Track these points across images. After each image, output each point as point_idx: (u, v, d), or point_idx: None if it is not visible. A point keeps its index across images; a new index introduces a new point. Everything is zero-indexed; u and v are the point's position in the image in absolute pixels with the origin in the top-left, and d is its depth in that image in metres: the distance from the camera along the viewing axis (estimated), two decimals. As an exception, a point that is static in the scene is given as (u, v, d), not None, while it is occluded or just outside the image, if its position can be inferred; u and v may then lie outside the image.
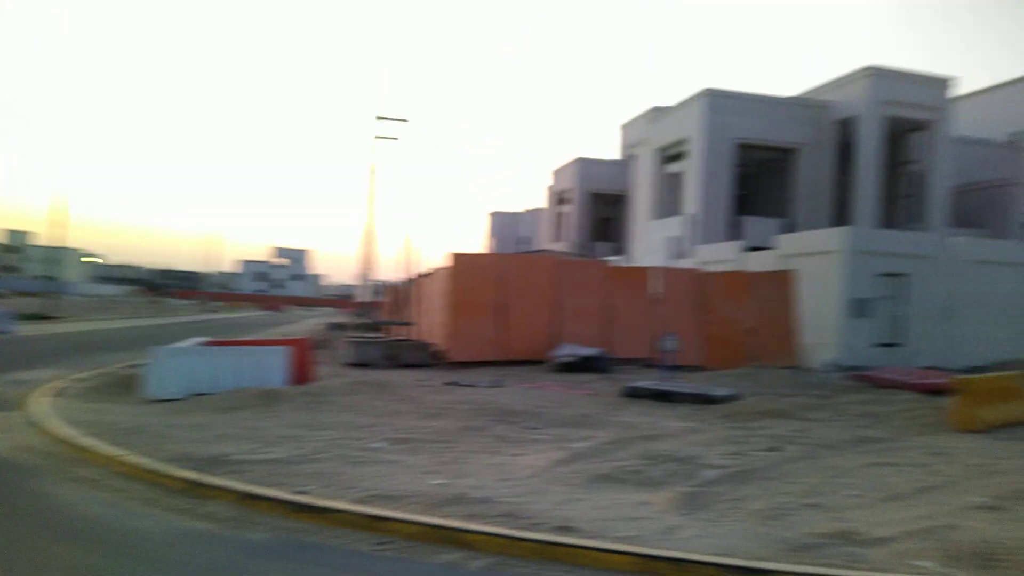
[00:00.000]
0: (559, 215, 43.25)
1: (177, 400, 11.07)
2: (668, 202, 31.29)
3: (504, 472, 7.48)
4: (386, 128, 31.48)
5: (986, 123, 37.86)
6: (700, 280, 18.28)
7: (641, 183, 33.39)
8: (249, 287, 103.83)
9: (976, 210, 30.88)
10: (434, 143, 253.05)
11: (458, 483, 6.88)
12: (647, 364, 17.20)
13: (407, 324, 20.83)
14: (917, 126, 27.81)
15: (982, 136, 35.26)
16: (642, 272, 18.56)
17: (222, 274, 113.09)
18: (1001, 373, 11.74)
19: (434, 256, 46.34)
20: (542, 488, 6.91)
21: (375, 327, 24.95)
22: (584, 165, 39.58)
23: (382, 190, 70.04)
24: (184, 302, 71.60)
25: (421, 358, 16.68)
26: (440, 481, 6.97)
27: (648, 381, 13.73)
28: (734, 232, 27.66)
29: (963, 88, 36.53)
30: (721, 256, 23.79)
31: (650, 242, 30.89)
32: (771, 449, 8.90)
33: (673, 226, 29.17)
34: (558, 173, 43.01)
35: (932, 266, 19.53)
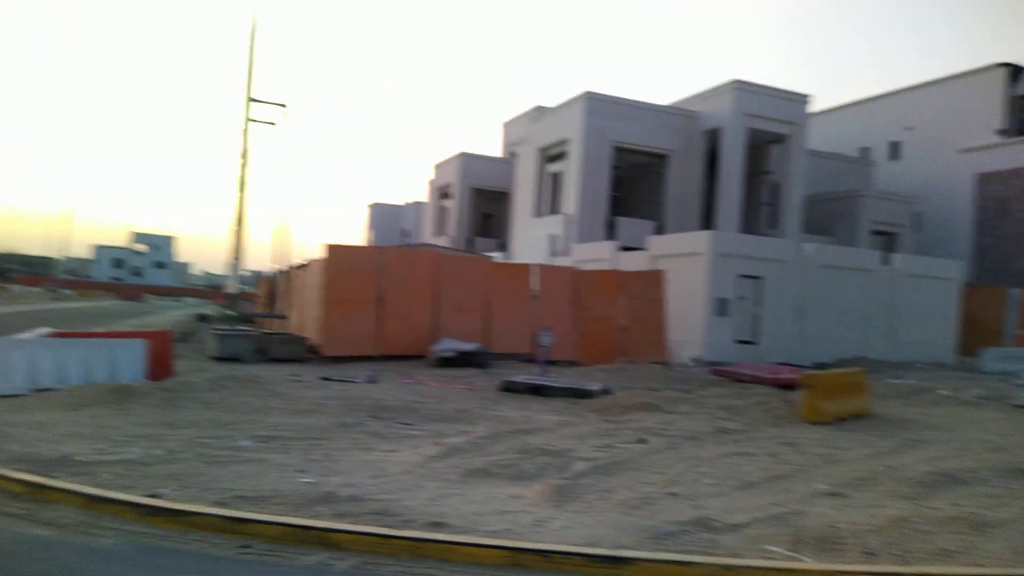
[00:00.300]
0: (441, 209, 43.09)
1: (19, 396, 10.12)
2: (549, 201, 31.92)
3: (377, 469, 7.34)
4: (261, 112, 30.11)
5: (838, 138, 41.32)
6: (576, 278, 18.77)
7: (523, 181, 33.85)
8: (105, 274, 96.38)
9: (828, 218, 33.53)
10: (316, 132, 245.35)
11: (328, 481, 6.69)
12: (526, 359, 17.46)
13: (280, 317, 20.06)
14: (777, 139, 29.84)
15: (834, 150, 38.41)
16: (522, 268, 18.81)
17: (74, 260, 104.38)
18: (844, 370, 12.81)
19: (312, 247, 44.94)
20: (415, 484, 6.84)
21: (245, 319, 23.85)
22: (467, 160, 39.61)
23: (256, 177, 66.95)
24: (31, 289, 65.40)
25: (294, 352, 16.11)
26: (309, 480, 6.75)
27: (525, 376, 13.93)
28: (610, 232, 28.61)
29: (819, 105, 39.65)
30: (597, 255, 24.52)
31: (531, 239, 31.38)
32: (639, 441, 9.26)
33: (553, 224, 29.77)
34: (440, 167, 42.83)
35: (786, 269, 21.03)
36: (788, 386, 14.04)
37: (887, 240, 33.02)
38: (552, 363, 17.02)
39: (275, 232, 50.47)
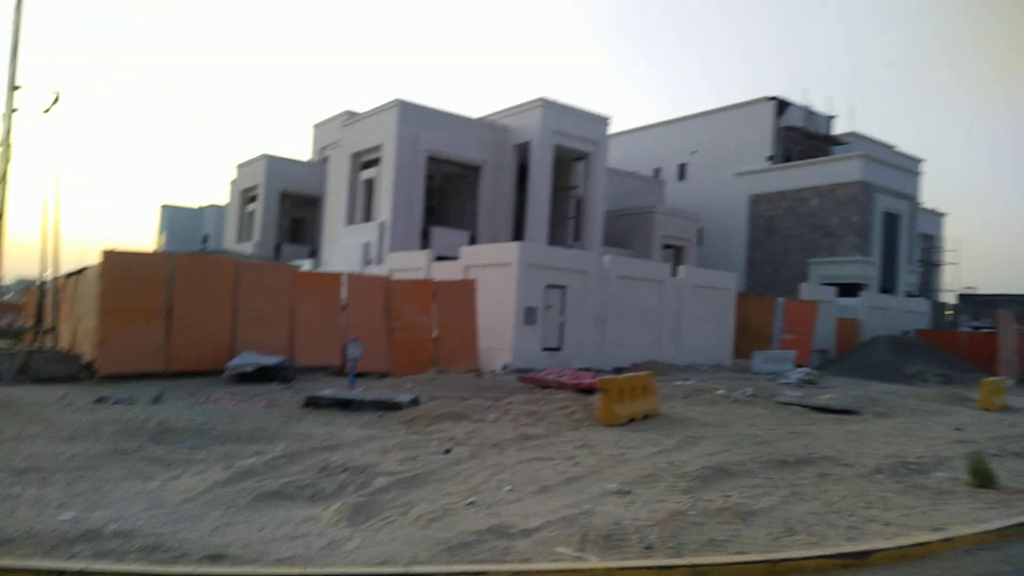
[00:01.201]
0: (246, 214, 40.74)
1: None
2: (362, 208, 31.30)
3: (153, 499, 6.68)
4: (32, 99, 26.61)
5: (635, 159, 44.56)
6: (389, 287, 18.50)
7: (335, 186, 32.92)
8: None
9: (626, 232, 36.00)
10: (104, 127, 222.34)
11: (93, 516, 5.97)
12: (336, 372, 16.90)
13: (47, 331, 17.80)
14: (581, 156, 31.56)
15: (632, 169, 41.36)
16: (331, 278, 18.21)
17: None
18: (636, 373, 13.69)
19: (93, 252, 40.61)
20: (197, 513, 6.31)
21: (7, 334, 20.90)
22: (274, 163, 37.84)
23: (26, 172, 59.15)
24: None
25: (65, 371, 14.32)
26: (71, 516, 5.98)
27: (332, 390, 13.44)
28: (425, 241, 28.62)
29: (618, 127, 42.51)
30: (411, 264, 24.41)
31: (343, 247, 30.56)
32: (444, 452, 9.25)
33: (367, 232, 29.22)
34: (245, 169, 40.54)
35: (588, 280, 22.23)
36: (588, 390, 14.78)
37: (675, 253, 36.09)
38: (362, 375, 16.61)
39: (45, 236, 44.84)
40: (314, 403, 12.42)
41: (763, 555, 5.50)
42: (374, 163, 30.24)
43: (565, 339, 21.83)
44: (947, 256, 45.73)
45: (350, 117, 34.68)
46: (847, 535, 6.42)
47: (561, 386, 15.95)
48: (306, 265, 28.97)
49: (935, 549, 6.27)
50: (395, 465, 8.44)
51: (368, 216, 30.41)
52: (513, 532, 6.03)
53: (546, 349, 21.36)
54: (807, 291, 31.00)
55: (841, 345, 30.51)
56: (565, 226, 32.81)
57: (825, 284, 33.56)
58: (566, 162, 32.01)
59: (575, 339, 21.99)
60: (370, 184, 30.72)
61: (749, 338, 27.24)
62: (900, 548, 5.99)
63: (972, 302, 40.55)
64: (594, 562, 5.27)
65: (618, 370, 20.63)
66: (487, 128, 30.83)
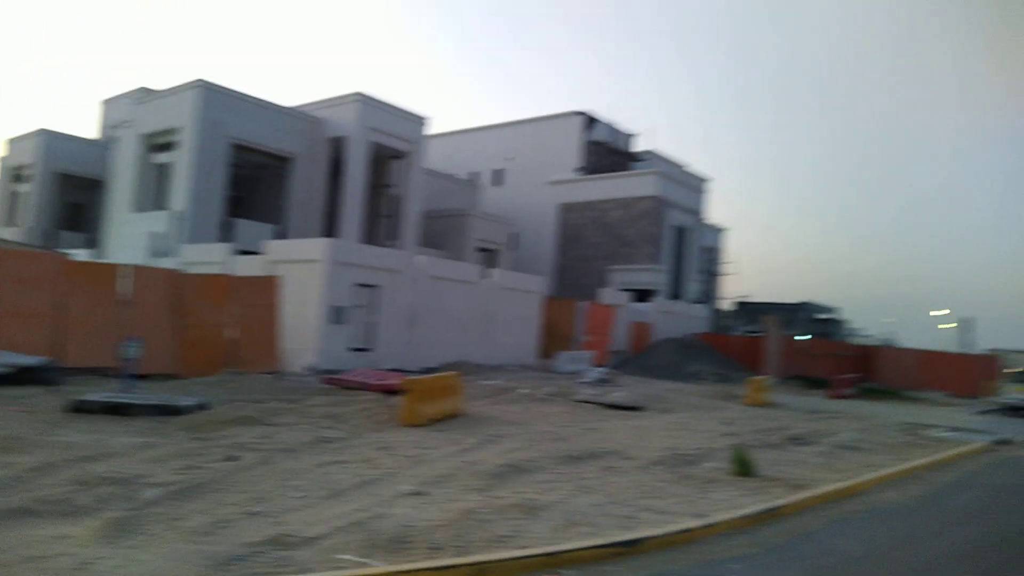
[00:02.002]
0: (13, 194, 35.82)
1: None
2: (153, 194, 28.67)
3: None
4: None
5: (452, 161, 44.96)
6: (178, 281, 17.06)
7: (123, 169, 29.85)
8: None
9: (441, 234, 36.17)
10: None
11: None
12: (113, 374, 15.26)
13: None
14: (397, 154, 31.23)
15: (448, 171, 41.67)
16: (108, 269, 16.42)
17: None
18: (441, 374, 13.77)
19: None
20: (-91, 540, 5.36)
21: None
22: (50, 139, 33.60)
23: None
24: None
25: None
26: None
27: (103, 393, 12.12)
28: (226, 234, 26.80)
29: (436, 128, 42.74)
30: (209, 257, 22.75)
31: (130, 236, 27.78)
32: (228, 459, 8.66)
33: (157, 221, 26.80)
34: (15, 143, 35.64)
35: (400, 279, 22.03)
36: (394, 391, 14.60)
37: (489, 256, 36.87)
38: (146, 377, 15.16)
39: None
40: (81, 408, 11.12)
41: (542, 548, 5.69)
42: (169, 146, 27.84)
43: (374, 339, 21.44)
44: (726, 267, 50.84)
45: (145, 95, 31.66)
46: (623, 524, 6.85)
47: (366, 387, 15.64)
48: (82, 255, 26.02)
49: (698, 535, 6.86)
50: (170, 475, 7.76)
51: (161, 204, 27.93)
52: (295, 541, 5.75)
53: (354, 349, 20.85)
54: (606, 296, 33.01)
55: (635, 346, 32.82)
56: (380, 224, 32.30)
57: (623, 290, 35.94)
58: (382, 159, 31.52)
59: (385, 339, 21.67)
60: (164, 169, 28.23)
61: (554, 339, 28.48)
62: (667, 535, 6.48)
63: (746, 309, 45.46)
64: (374, 567, 5.15)
65: (428, 370, 20.61)
66: (300, 119, 29.55)
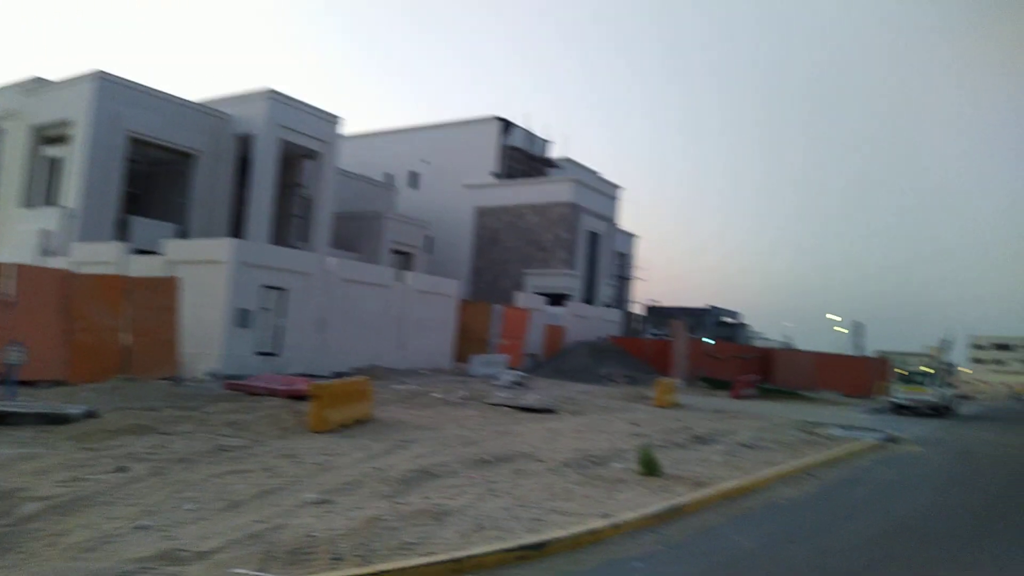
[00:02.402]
0: None
1: None
2: (43, 190, 26.88)
3: None
4: None
5: (367, 162, 44.23)
6: (68, 282, 16.02)
7: (9, 163, 27.84)
8: None
9: (355, 236, 35.48)
10: None
11: None
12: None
13: None
14: (309, 154, 30.45)
15: (363, 173, 40.98)
16: (-12, 268, 15.27)
17: None
18: (350, 379, 13.46)
19: None
20: None
21: None
22: (-76, 128, 30.94)
23: None
24: None
25: None
26: None
27: (-21, 401, 11.22)
28: (122, 232, 25.41)
29: (351, 128, 41.94)
30: (102, 257, 21.49)
31: (17, 234, 25.95)
32: (119, 470, 8.16)
33: (47, 218, 25.13)
34: None
35: (310, 282, 21.46)
36: (302, 397, 14.17)
37: (404, 259, 36.47)
38: (29, 384, 14.17)
39: None
40: (-47, 419, 10.25)
41: (447, 555, 5.62)
42: (61, 140, 26.18)
43: (282, 344, 20.79)
44: (637, 272, 52.18)
45: (36, 84, 29.66)
46: (530, 527, 6.85)
47: (272, 392, 15.12)
48: (-38, 253, 24.09)
49: (604, 535, 6.94)
50: (52, 488, 7.23)
51: (52, 200, 26.21)
52: (186, 555, 5.45)
53: (261, 354, 20.14)
54: (522, 300, 33.22)
55: (548, 349, 33.17)
56: (290, 225, 31.40)
57: (538, 294, 36.28)
58: (293, 159, 30.66)
59: (293, 344, 21.05)
60: (55, 163, 26.52)
61: (469, 342, 28.41)
62: (573, 536, 6.52)
63: (655, 313, 46.74)
64: (272, 580, 4.95)
65: (339, 375, 20.13)
66: (206, 114, 28.37)
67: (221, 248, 19.51)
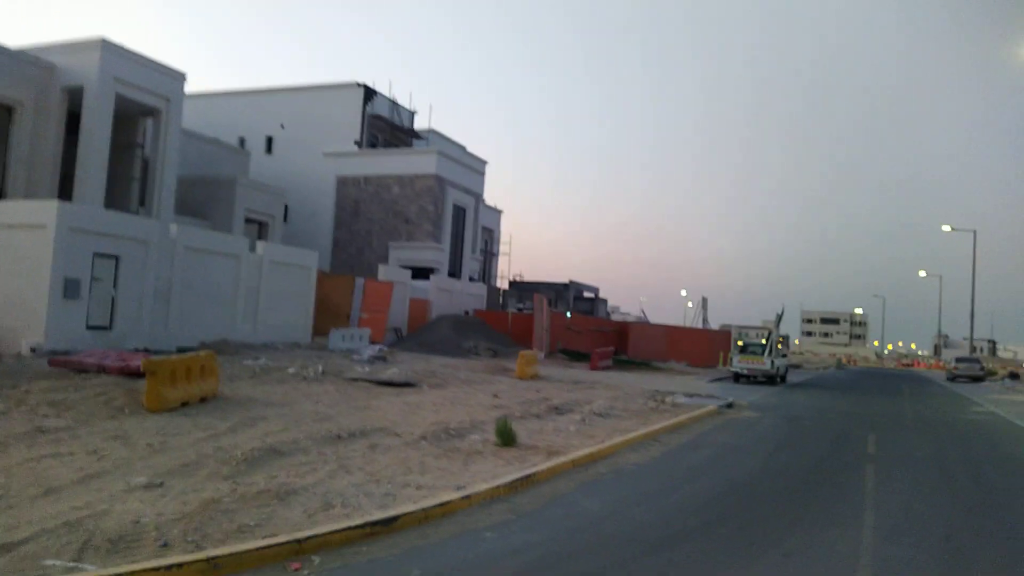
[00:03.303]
0: None
1: None
2: None
3: None
4: None
5: (217, 124, 41.46)
6: None
7: None
8: None
9: (205, 202, 33.19)
10: None
11: None
12: None
13: None
14: (149, 112, 28.03)
15: (213, 135, 38.38)
16: None
17: None
18: (191, 354, 12.57)
19: None
20: None
21: None
22: None
23: None
24: None
25: None
26: None
27: None
28: (-77, 191, 22.35)
29: (199, 87, 39.02)
30: None
31: None
32: (-92, 459, 7.17)
33: None
34: None
35: (149, 250, 19.81)
36: (138, 374, 13.11)
37: (260, 228, 34.67)
38: None
39: None
40: None
41: (287, 536, 5.35)
42: None
43: (117, 316, 19.13)
44: (502, 247, 52.77)
45: None
46: (381, 503, 6.69)
47: (103, 369, 13.87)
48: None
49: (456, 507, 6.90)
50: None
51: None
52: (-14, 550, 4.85)
53: (93, 328, 18.45)
54: (385, 273, 32.56)
55: (413, 323, 32.85)
56: (129, 189, 28.84)
57: (403, 267, 35.74)
58: (131, 116, 28.08)
59: (130, 316, 19.43)
60: None
61: (329, 316, 27.51)
62: (424, 510, 6.43)
63: (518, 287, 47.48)
64: (88, 571, 4.49)
65: (183, 350, 18.81)
66: (26, 63, 25.31)
67: (44, 211, 17.58)
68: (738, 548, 6.43)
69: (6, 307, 16.29)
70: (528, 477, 8.20)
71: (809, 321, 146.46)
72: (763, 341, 30.47)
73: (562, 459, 9.33)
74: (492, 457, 9.37)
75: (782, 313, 34.05)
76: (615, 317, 56.93)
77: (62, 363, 14.19)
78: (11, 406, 10.21)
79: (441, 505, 6.65)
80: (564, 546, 6.18)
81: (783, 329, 34.19)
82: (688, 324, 54.80)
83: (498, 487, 7.62)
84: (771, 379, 28.80)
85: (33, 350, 16.69)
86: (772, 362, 28.54)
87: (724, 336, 38.60)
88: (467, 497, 7.05)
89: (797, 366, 46.62)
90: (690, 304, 72.09)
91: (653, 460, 10.51)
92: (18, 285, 16.93)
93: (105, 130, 25.68)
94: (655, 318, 56.41)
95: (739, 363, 28.77)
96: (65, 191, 25.67)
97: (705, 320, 52.51)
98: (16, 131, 25.24)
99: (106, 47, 25.28)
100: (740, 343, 30.81)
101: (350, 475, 7.80)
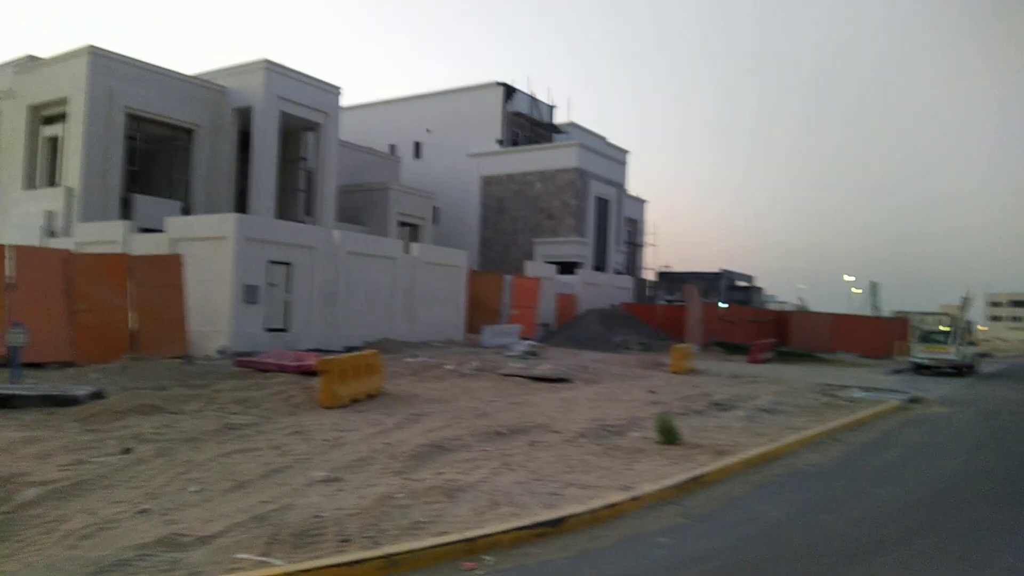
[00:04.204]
0: None
1: None
2: (46, 171, 26.59)
3: None
4: None
5: (370, 133, 43.65)
6: (70, 263, 15.75)
7: (9, 144, 27.52)
8: None
9: (361, 208, 35.09)
10: None
11: None
12: (1, 364, 14.00)
13: None
14: (310, 126, 29.93)
15: (367, 144, 40.43)
16: (-11, 251, 15.02)
17: None
18: (358, 352, 13.18)
19: None
20: None
21: None
22: (-76, 111, 30.61)
23: None
24: None
25: None
26: None
27: (-17, 385, 11.04)
28: (126, 211, 25.14)
29: (351, 100, 41.20)
30: (106, 236, 21.23)
31: (21, 216, 25.75)
32: (123, 451, 7.93)
33: (50, 199, 24.87)
34: None
35: (316, 256, 21.13)
36: (311, 372, 13.94)
37: (412, 230, 36.08)
38: (38, 366, 14.06)
39: None
40: (-44, 403, 10.07)
41: (459, 535, 5.33)
42: (61, 118, 25.78)
43: (291, 319, 20.55)
44: (648, 238, 51.58)
45: (30, 63, 29.20)
46: (547, 502, 6.55)
47: (282, 369, 14.90)
48: (-33, 236, 23.91)
49: (624, 508, 6.64)
50: (54, 472, 7.01)
51: (53, 180, 25.93)
52: (188, 541, 5.20)
53: (270, 330, 19.93)
54: (532, 269, 32.82)
55: (561, 318, 32.85)
56: (295, 199, 31.01)
57: (548, 262, 35.84)
58: (295, 132, 30.16)
59: (302, 319, 20.80)
60: (55, 143, 26.17)
61: (480, 313, 28.11)
62: (592, 512, 6.22)
63: (667, 278, 46.22)
64: (274, 566, 4.67)
65: (349, 349, 19.92)
66: (203, 88, 27.85)
67: (225, 223, 19.18)
68: (947, 563, 5.70)
69: (197, 313, 17.88)
70: (698, 478, 7.77)
71: (996, 304, 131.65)
72: (946, 328, 27.60)
73: (732, 459, 8.78)
74: (656, 456, 9.01)
75: (968, 296, 30.70)
76: (771, 306, 53.98)
77: (246, 363, 15.38)
78: (204, 404, 11.12)
79: (609, 507, 6.41)
80: (746, 555, 5.74)
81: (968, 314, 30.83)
82: (854, 312, 50.92)
83: (667, 488, 7.27)
84: (958, 370, 26.05)
85: (221, 352, 18.25)
86: (959, 351, 25.79)
87: (898, 324, 35.35)
88: (636, 499, 6.76)
89: (987, 355, 42.01)
90: (856, 290, 67.02)
91: (835, 460, 9.67)
92: (205, 293, 18.54)
93: (273, 146, 27.69)
94: (815, 306, 52.88)
95: (921, 353, 26.27)
96: (241, 204, 27.98)
97: (876, 307, 48.51)
98: (196, 151, 27.82)
99: (269, 68, 27.22)
100: (921, 330, 28.08)
101: (513, 472, 7.75)
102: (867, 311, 48.77)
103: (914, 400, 16.63)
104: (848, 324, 35.93)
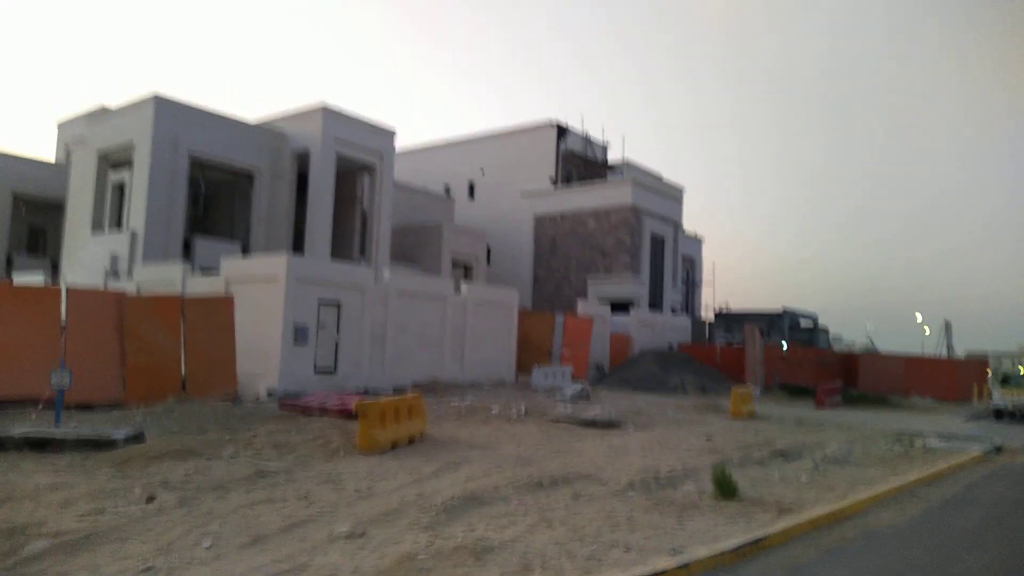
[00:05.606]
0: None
1: None
2: (112, 214, 27.58)
3: None
4: None
5: (424, 174, 44.18)
6: (123, 305, 15.96)
7: (79, 189, 28.72)
8: None
9: (415, 248, 35.25)
10: None
11: None
12: (50, 405, 14.13)
13: None
14: (366, 168, 30.33)
15: (421, 185, 40.84)
16: (43, 293, 15.33)
17: None
18: (396, 397, 12.79)
19: None
20: None
21: None
22: (5, 162, 32.40)
23: None
24: None
25: None
26: None
27: (27, 426, 11.06)
28: (188, 253, 25.75)
29: (406, 142, 41.85)
30: (165, 277, 21.64)
31: (88, 258, 26.67)
32: (148, 500, 7.65)
33: (116, 242, 25.69)
34: (-32, 167, 34.33)
35: (366, 296, 21.04)
36: (352, 415, 13.61)
37: (464, 270, 35.99)
38: (87, 407, 14.13)
39: None
40: (-2, 444, 10.04)
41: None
42: (126, 164, 26.77)
43: (340, 360, 20.40)
44: (705, 277, 50.29)
45: (101, 113, 30.63)
46: (584, 567, 5.93)
47: (325, 411, 14.63)
48: (37, 279, 24.80)
49: None
50: (71, 522, 6.75)
51: (120, 224, 26.82)
52: (186, 607, 4.78)
53: (319, 372, 19.80)
54: (584, 307, 32.15)
55: (614, 359, 31.96)
56: (351, 240, 31.32)
57: (602, 301, 35.13)
58: (350, 174, 30.61)
59: (351, 359, 20.64)
60: (121, 188, 27.14)
61: (531, 353, 27.54)
62: (634, 580, 5.56)
63: (726, 318, 44.78)
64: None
65: (397, 390, 19.64)
66: (262, 133, 28.59)
67: (276, 264, 19.29)
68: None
69: (248, 354, 17.88)
70: (758, 541, 7.00)
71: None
72: (1030, 370, 25.60)
73: (798, 518, 7.95)
74: (710, 512, 8.25)
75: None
76: (837, 347, 51.69)
77: (290, 406, 15.19)
78: (240, 449, 10.86)
79: (655, 575, 5.73)
80: (812, 637, 4.98)
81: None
82: (927, 353, 48.25)
83: (721, 553, 6.54)
84: (1046, 416, 24.07)
85: (270, 394, 18.15)
86: (1046, 395, 23.85)
87: (976, 365, 33.21)
88: (684, 566, 6.06)
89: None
90: (925, 329, 63.73)
91: (913, 520, 8.70)
92: (257, 333, 18.55)
93: (329, 188, 28.09)
94: (883, 346, 50.40)
95: (1001, 397, 24.41)
96: (298, 245, 28.37)
97: (950, 347, 45.85)
98: (256, 194, 28.43)
99: (327, 113, 27.76)
100: (1001, 373, 26.15)
101: (552, 530, 7.14)
102: (940, 351, 46.17)
103: (998, 449, 15.24)
104: (920, 366, 33.91)
